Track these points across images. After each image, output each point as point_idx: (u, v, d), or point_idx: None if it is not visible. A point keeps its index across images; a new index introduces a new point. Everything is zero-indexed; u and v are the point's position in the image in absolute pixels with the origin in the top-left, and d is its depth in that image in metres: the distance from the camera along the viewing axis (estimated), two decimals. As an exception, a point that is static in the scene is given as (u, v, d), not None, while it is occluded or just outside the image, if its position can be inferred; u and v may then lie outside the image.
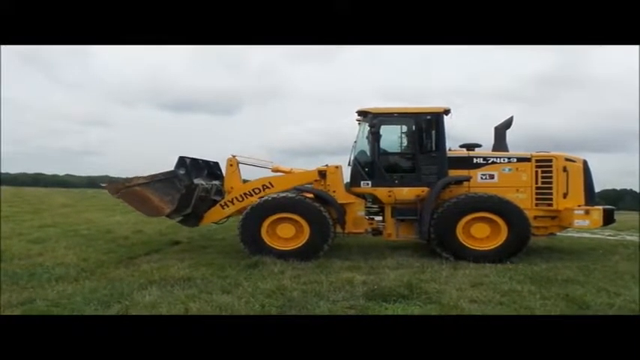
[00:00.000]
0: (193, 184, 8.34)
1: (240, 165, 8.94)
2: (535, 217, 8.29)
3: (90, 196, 28.07)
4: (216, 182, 9.23)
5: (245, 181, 8.92)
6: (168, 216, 8.48)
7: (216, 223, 9.05)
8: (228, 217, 8.73)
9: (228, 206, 8.61)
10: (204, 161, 9.62)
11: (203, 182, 8.81)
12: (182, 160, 8.68)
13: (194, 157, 9.19)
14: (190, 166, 8.82)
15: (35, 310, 4.78)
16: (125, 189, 8.16)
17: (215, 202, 8.83)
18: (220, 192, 8.94)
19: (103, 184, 8.60)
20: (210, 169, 9.64)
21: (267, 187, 8.56)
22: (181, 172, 8.36)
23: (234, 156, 8.88)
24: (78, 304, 4.99)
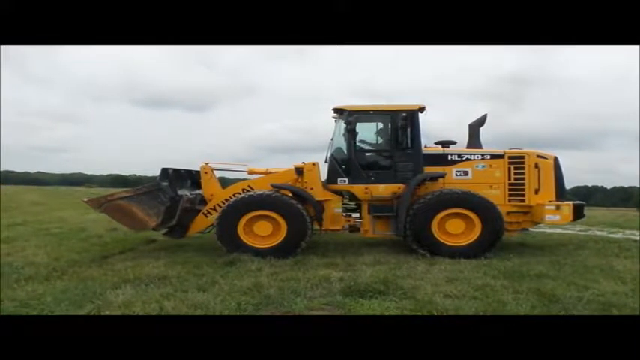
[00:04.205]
0: (177, 196, 8.28)
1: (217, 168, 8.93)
2: (508, 213, 8.45)
3: (63, 193, 27.52)
4: (200, 192, 9.15)
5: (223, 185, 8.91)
6: (153, 229, 8.40)
7: (202, 232, 8.98)
8: (212, 225, 8.63)
9: (211, 214, 8.55)
10: (186, 171, 9.57)
11: (187, 193, 8.75)
12: (165, 172, 8.58)
13: (176, 168, 9.14)
14: (173, 178, 8.76)
15: (3, 312, 4.66)
16: (108, 203, 8.07)
17: (200, 212, 8.76)
18: (204, 201, 8.88)
19: (85, 199, 8.45)
20: (193, 178, 9.56)
21: (248, 191, 8.54)
22: (165, 184, 8.27)
23: (207, 163, 8.84)
24: (48, 305, 4.88)
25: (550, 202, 8.41)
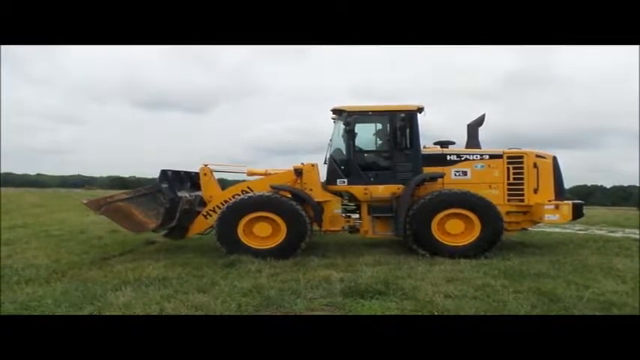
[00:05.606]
0: (177, 198, 8.26)
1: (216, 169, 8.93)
2: (507, 213, 8.45)
3: (63, 195, 27.46)
4: (200, 193, 9.15)
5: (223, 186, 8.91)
6: (153, 230, 8.39)
7: (201, 234, 8.97)
8: (212, 226, 8.62)
9: (210, 215, 8.55)
10: (186, 173, 9.57)
11: (186, 194, 8.73)
12: (164, 174, 8.57)
13: (176, 169, 9.13)
14: (173, 179, 8.76)
15: (3, 313, 4.65)
16: (107, 205, 8.03)
17: (199, 214, 8.75)
18: (204, 203, 8.88)
19: (84, 201, 8.42)
20: (193, 180, 9.55)
21: (247, 192, 8.54)
22: (164, 185, 8.25)
23: (206, 165, 8.85)
24: (48, 307, 4.88)
25: (549, 201, 8.42)
